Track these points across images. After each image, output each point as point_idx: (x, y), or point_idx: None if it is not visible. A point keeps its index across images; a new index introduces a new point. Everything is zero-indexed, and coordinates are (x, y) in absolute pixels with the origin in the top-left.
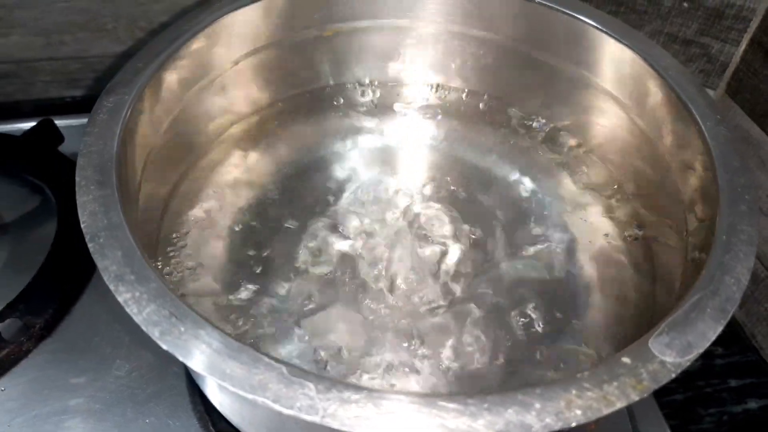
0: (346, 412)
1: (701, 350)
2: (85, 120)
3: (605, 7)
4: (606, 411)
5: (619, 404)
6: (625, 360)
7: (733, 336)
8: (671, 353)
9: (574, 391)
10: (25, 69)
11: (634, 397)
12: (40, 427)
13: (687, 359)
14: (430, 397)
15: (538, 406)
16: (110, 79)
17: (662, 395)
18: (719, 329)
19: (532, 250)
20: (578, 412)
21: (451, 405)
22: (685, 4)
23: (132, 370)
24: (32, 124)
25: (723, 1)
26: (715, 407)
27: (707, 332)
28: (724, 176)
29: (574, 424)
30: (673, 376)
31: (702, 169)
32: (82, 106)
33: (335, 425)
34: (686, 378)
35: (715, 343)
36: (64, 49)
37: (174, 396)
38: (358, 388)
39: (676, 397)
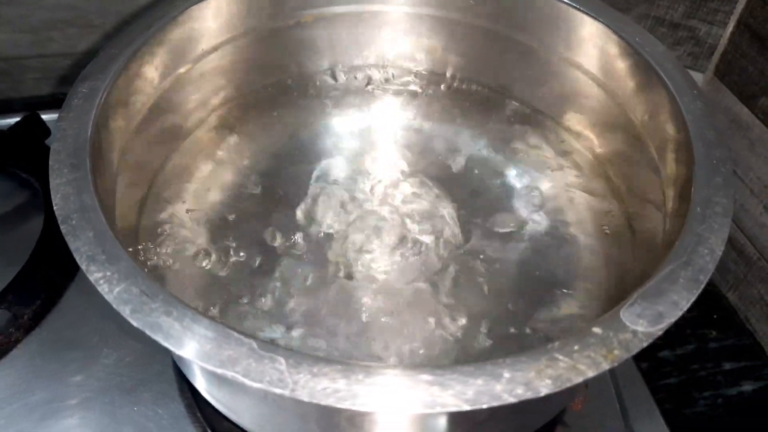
0: (316, 385)
1: (673, 320)
2: None
3: None
4: (576, 380)
5: (590, 373)
6: (596, 330)
7: (727, 320)
8: (643, 323)
9: (544, 361)
10: (14, 66)
11: (605, 366)
12: (31, 416)
13: (658, 328)
14: (400, 368)
15: (507, 375)
16: None
17: (657, 379)
18: (692, 299)
19: (512, 225)
20: (548, 381)
21: (422, 376)
22: None
23: (119, 358)
24: (18, 118)
25: None
26: (710, 390)
27: (680, 302)
28: (699, 149)
29: (543, 393)
30: (644, 345)
31: (678, 143)
32: None
33: (305, 397)
34: (681, 361)
35: (709, 327)
36: (52, 46)
37: (161, 383)
38: (328, 362)
39: (671, 381)
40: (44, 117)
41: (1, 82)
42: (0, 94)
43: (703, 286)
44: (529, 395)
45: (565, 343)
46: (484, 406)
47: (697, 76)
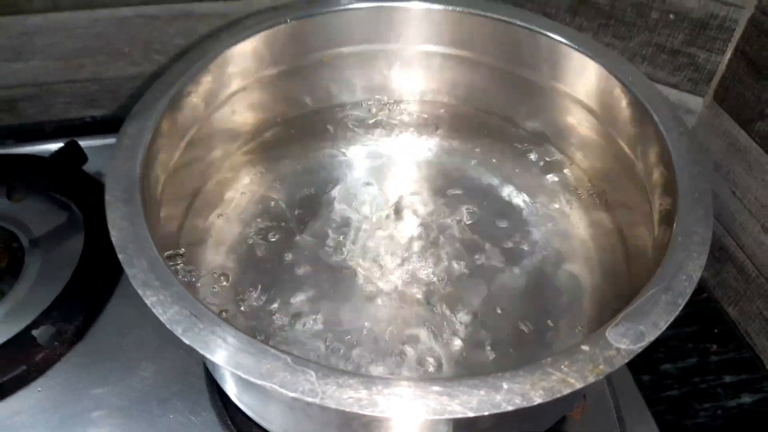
0: (342, 394)
1: (652, 338)
2: (106, 141)
3: (596, 19)
4: (566, 391)
5: (578, 385)
6: (585, 347)
7: (728, 334)
8: (626, 341)
9: (538, 374)
10: (45, 91)
11: (591, 379)
12: (75, 424)
13: (639, 346)
14: (414, 380)
15: (506, 387)
16: (127, 99)
17: (659, 391)
18: (670, 320)
19: (510, 243)
20: (541, 392)
21: (434, 387)
22: (671, 16)
23: (156, 370)
24: (58, 145)
25: (707, 13)
26: (710, 402)
27: (659, 323)
28: (683, 183)
29: (536, 402)
30: (626, 361)
31: (665, 177)
32: (102, 125)
33: (332, 405)
34: (682, 374)
35: (710, 341)
36: (82, 72)
37: (195, 394)
38: (352, 374)
39: (673, 393)
40: (82, 143)
41: (33, 107)
42: (31, 118)
43: (680, 308)
44: (524, 404)
45: (557, 359)
46: (486, 413)
47: (697, 101)
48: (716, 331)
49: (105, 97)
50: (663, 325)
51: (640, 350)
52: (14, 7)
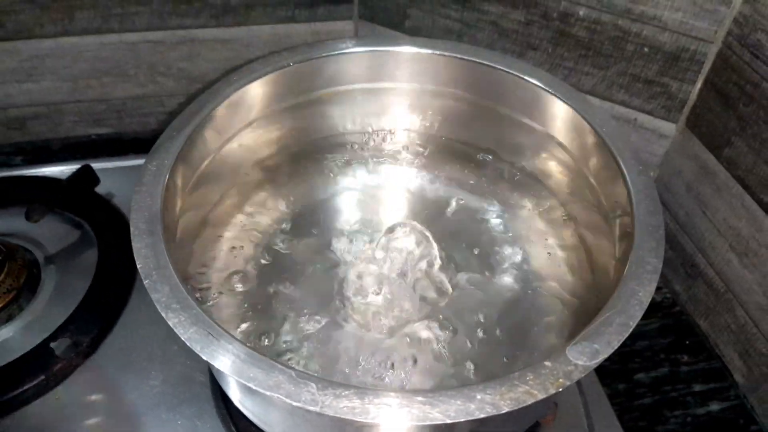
0: (338, 404)
1: (606, 355)
2: (118, 164)
3: (576, 50)
4: (530, 401)
5: (540, 396)
6: (547, 363)
7: (698, 345)
8: (583, 358)
9: (506, 386)
10: (54, 111)
11: (552, 391)
12: (90, 430)
13: (594, 362)
14: (401, 391)
15: (479, 397)
16: (131, 118)
17: (632, 399)
18: (622, 339)
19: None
20: (509, 401)
21: (417, 397)
22: (646, 49)
23: (165, 380)
24: (70, 167)
25: (678, 47)
26: (681, 410)
27: (612, 342)
28: (639, 217)
29: (504, 410)
30: (582, 375)
31: (624, 210)
32: (107, 142)
33: (330, 413)
34: (655, 383)
35: (681, 352)
36: (89, 93)
37: (201, 402)
38: (347, 386)
39: (645, 401)
40: (94, 166)
41: (43, 125)
42: (40, 136)
43: (631, 329)
44: (494, 412)
45: (523, 373)
46: (462, 420)
47: (670, 127)
48: (687, 342)
49: (111, 117)
50: (616, 344)
51: (594, 366)
52: (27, 31)
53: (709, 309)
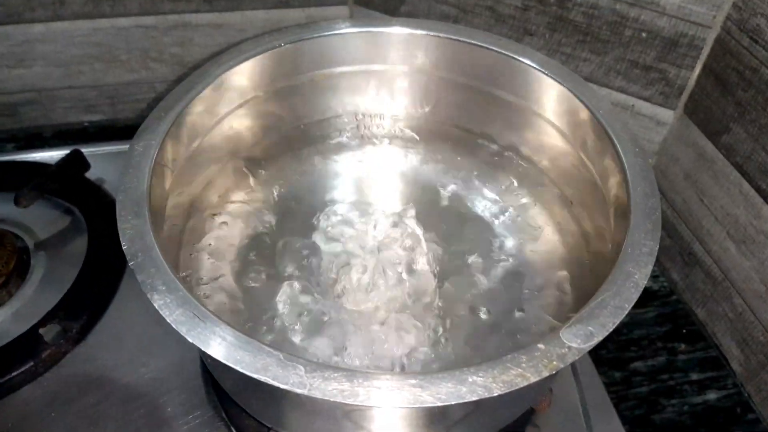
0: (327, 386)
1: (600, 338)
2: (108, 148)
3: (573, 36)
4: (522, 384)
5: (533, 379)
6: (540, 346)
7: (696, 334)
8: (577, 341)
9: (499, 369)
10: (45, 97)
11: (545, 374)
12: (79, 415)
13: (588, 345)
14: (392, 373)
15: (470, 380)
16: (124, 104)
17: (630, 387)
18: (617, 322)
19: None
20: (501, 384)
21: (408, 380)
22: (644, 34)
23: (155, 367)
24: (60, 152)
25: (677, 32)
26: (677, 398)
27: (606, 324)
28: (636, 199)
29: (496, 394)
30: (576, 358)
31: (621, 193)
32: (99, 129)
33: (318, 396)
34: (652, 372)
35: (679, 341)
36: (81, 78)
37: (191, 388)
38: (336, 369)
39: (642, 390)
40: (84, 151)
41: (33, 111)
42: (31, 122)
43: (626, 312)
44: (486, 395)
45: (515, 356)
46: (452, 402)
47: (668, 113)
48: (685, 331)
49: (103, 103)
50: (611, 327)
51: (589, 348)
52: (17, 16)
53: (706, 297)
